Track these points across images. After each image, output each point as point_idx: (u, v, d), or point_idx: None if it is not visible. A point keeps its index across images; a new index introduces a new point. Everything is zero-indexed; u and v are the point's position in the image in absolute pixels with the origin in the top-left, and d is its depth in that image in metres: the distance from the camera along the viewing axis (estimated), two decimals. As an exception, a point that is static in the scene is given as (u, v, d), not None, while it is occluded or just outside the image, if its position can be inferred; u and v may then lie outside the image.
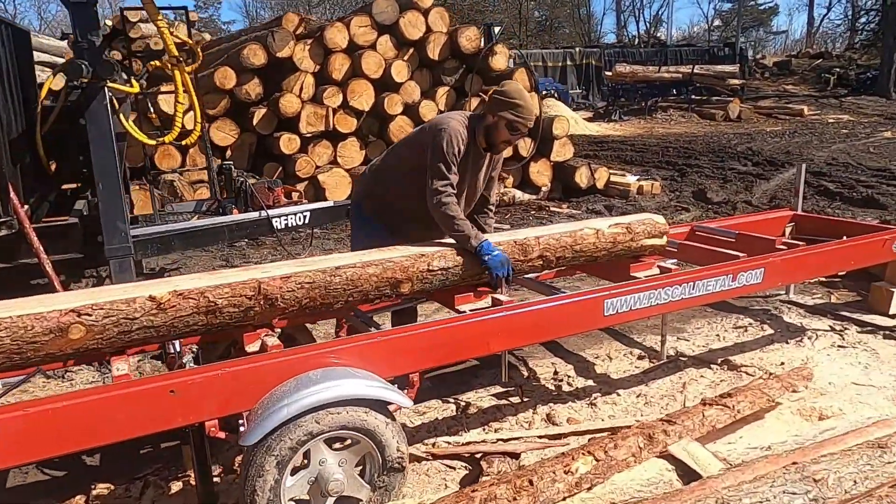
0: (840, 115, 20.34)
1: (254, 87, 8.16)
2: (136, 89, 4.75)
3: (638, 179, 10.07)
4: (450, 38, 8.69)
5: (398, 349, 2.61)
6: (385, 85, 8.42)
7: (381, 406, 2.43)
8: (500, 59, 8.83)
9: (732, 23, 41.57)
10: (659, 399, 3.56)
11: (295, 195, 5.71)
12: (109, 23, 13.58)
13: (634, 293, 3.15)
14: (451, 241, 3.01)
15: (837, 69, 27.68)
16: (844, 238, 4.02)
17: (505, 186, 9.16)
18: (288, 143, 8.05)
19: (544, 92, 22.95)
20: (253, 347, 2.54)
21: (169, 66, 5.01)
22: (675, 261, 3.81)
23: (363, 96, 8.30)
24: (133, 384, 2.21)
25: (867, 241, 3.99)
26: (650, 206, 8.91)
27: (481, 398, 3.61)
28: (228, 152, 8.25)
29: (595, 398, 3.56)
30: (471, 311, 2.90)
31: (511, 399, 3.61)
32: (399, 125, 8.51)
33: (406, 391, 2.66)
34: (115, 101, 4.60)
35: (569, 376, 3.88)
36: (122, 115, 4.71)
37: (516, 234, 3.18)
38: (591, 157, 13.77)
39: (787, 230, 4.77)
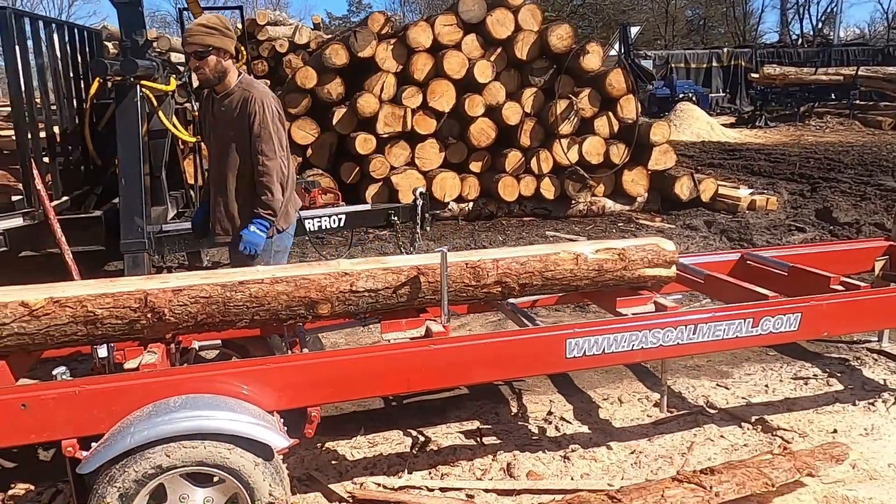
0: None
1: (335, 87, 8.20)
2: (172, 87, 4.83)
3: (751, 193, 8.97)
4: (540, 37, 8.21)
5: (291, 380, 2.32)
6: (468, 85, 8.11)
7: (250, 443, 2.16)
8: (593, 59, 8.20)
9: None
10: (653, 460, 2.98)
11: (331, 197, 5.58)
12: (240, 25, 14.49)
13: (608, 333, 2.63)
14: (385, 260, 2.67)
15: None
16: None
17: (594, 195, 8.52)
18: (364, 143, 8.00)
19: (681, 95, 21.53)
20: (132, 364, 2.37)
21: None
22: (679, 296, 3.19)
23: (444, 97, 8.05)
24: (-17, 394, 2.11)
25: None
26: (760, 223, 7.87)
27: (448, 435, 3.22)
28: (308, 151, 8.36)
29: (575, 450, 3.04)
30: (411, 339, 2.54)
31: (484, 439, 3.19)
32: (480, 127, 8.18)
33: (305, 426, 2.38)
34: (153, 99, 4.72)
35: (562, 419, 3.37)
36: (161, 113, 4.82)
37: (471, 255, 2.76)
38: (715, 166, 12.58)
39: (878, 265, 3.88)
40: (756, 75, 21.64)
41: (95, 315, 2.30)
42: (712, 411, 3.44)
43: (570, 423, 3.35)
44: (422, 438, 3.18)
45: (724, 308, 2.85)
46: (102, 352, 2.56)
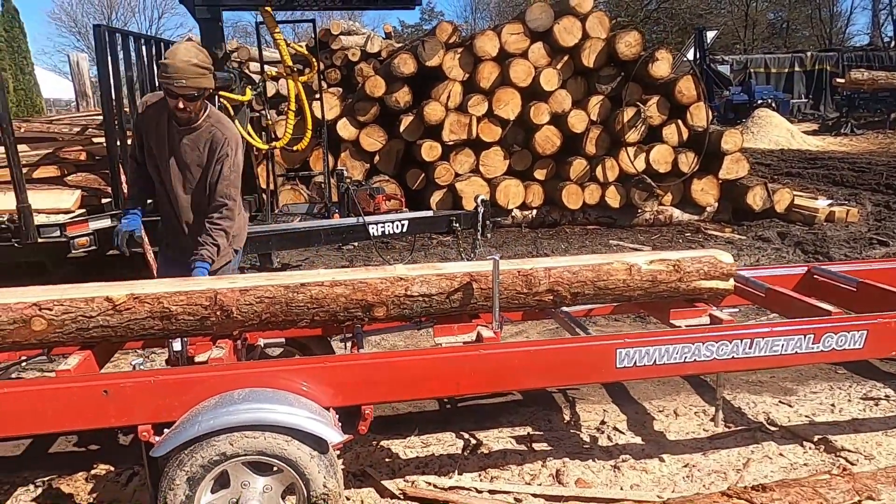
0: None
1: (403, 96, 8.39)
2: (248, 97, 5.09)
3: (830, 204, 8.59)
4: (608, 45, 8.15)
5: (347, 378, 2.44)
6: (533, 93, 8.14)
7: (307, 437, 2.29)
8: (662, 66, 8.07)
9: None
10: (706, 475, 2.94)
11: (394, 203, 5.73)
12: (312, 36, 14.97)
13: (660, 344, 2.62)
14: (439, 266, 2.75)
15: None
16: None
17: (661, 204, 8.38)
18: (429, 150, 8.15)
19: (760, 101, 20.76)
20: (202, 357, 2.54)
21: (284, 75, 5.32)
22: (735, 310, 3.13)
23: (509, 105, 8.11)
24: (71, 379, 2.32)
25: None
26: (838, 236, 7.54)
27: (499, 438, 3.28)
28: (376, 158, 8.58)
29: (626, 460, 3.04)
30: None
31: (534, 445, 3.23)
32: (545, 135, 8.19)
33: (359, 423, 2.49)
34: (231, 108, 4.99)
35: (615, 428, 3.37)
36: (237, 122, 5.09)
37: (523, 263, 2.81)
38: (793, 175, 12.12)
39: (960, 283, 3.68)
40: (842, 80, 20.63)
41: (171, 311, 2.49)
42: (772, 428, 3.35)
43: (622, 433, 3.34)
44: (473, 441, 3.25)
45: (783, 323, 2.79)
46: (177, 345, 2.75)
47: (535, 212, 8.31)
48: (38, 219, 4.26)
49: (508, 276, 2.73)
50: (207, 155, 3.06)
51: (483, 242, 5.82)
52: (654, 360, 2.63)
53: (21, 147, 4.48)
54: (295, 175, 7.82)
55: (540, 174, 8.38)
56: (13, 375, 3.19)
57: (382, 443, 3.21)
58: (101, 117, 5.96)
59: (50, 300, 2.41)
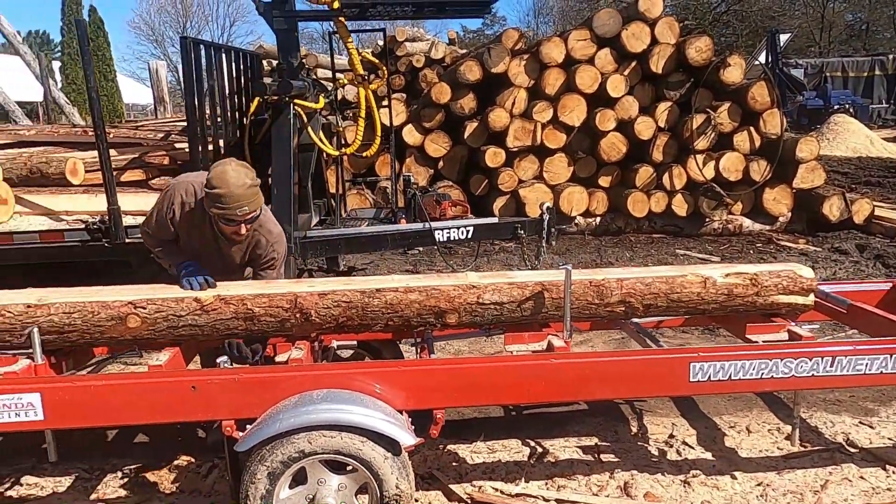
0: None
1: (468, 102, 8.45)
2: (321, 105, 5.24)
3: (914, 216, 8.17)
4: (677, 50, 8.01)
5: (418, 382, 2.49)
6: (599, 100, 8.07)
7: (381, 438, 2.35)
8: (734, 72, 7.87)
9: None
10: (781, 495, 2.86)
11: (459, 209, 5.78)
12: (381, 42, 15.25)
13: (736, 359, 2.58)
14: (511, 274, 2.78)
15: None
16: None
17: (731, 213, 8.16)
18: (493, 156, 8.18)
19: (837, 106, 19.91)
20: (282, 357, 2.65)
21: (355, 83, 5.45)
22: (815, 326, 3.03)
23: (574, 111, 8.06)
24: (162, 375, 2.46)
25: None
26: (922, 249, 7.17)
27: (565, 448, 3.27)
28: (440, 164, 8.66)
29: (696, 476, 2.99)
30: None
31: (602, 456, 3.21)
32: (611, 142, 8.10)
33: (431, 427, 2.54)
34: (304, 115, 5.15)
35: (684, 443, 3.32)
36: (310, 128, 5.25)
37: (595, 274, 2.81)
38: (872, 184, 11.58)
39: None
40: (926, 84, 19.59)
41: (253, 312, 2.61)
42: (852, 450, 3.24)
43: (692, 447, 3.28)
44: (540, 449, 3.26)
45: (867, 341, 2.70)
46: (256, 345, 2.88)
47: (598, 219, 8.23)
48: (126, 220, 4.49)
49: (580, 287, 2.73)
50: (251, 257, 2.95)
51: (547, 250, 5.79)
52: (730, 376, 2.59)
53: (111, 152, 4.73)
54: (362, 180, 7.98)
55: (604, 181, 8.29)
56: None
57: (450, 447, 3.25)
58: (182, 123, 6.25)
59: (144, 299, 2.56)
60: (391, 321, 2.69)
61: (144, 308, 2.56)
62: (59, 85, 17.72)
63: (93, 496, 2.96)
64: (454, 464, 3.14)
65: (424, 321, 2.71)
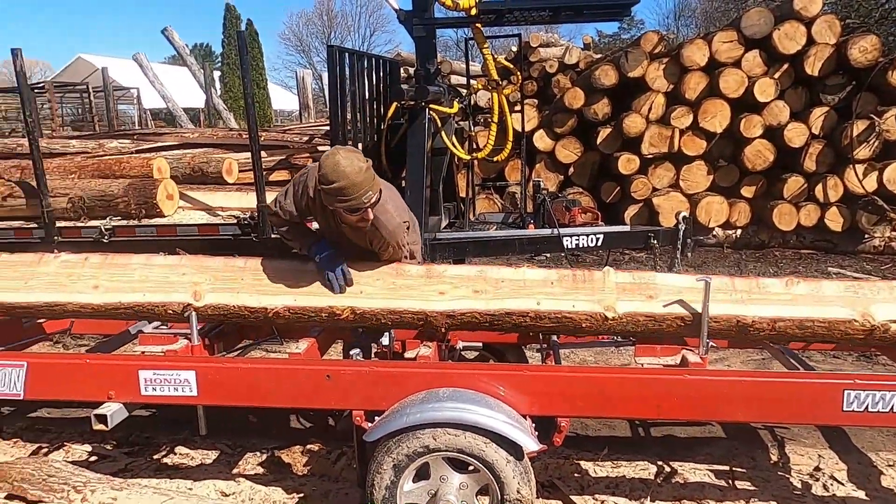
0: None
1: (602, 108, 8.25)
2: (455, 110, 5.33)
3: None
4: (836, 51, 7.36)
5: (544, 388, 2.47)
6: (745, 105, 7.59)
7: (504, 441, 2.35)
8: (906, 73, 7.10)
9: None
10: (950, 547, 2.54)
11: (589, 216, 5.65)
12: (514, 48, 15.28)
13: (898, 390, 2.32)
14: (652, 286, 2.66)
15: None
16: None
17: (895, 229, 7.38)
18: (626, 163, 7.93)
19: None
20: (410, 354, 2.72)
21: (489, 88, 5.51)
22: None
23: (717, 117, 7.63)
24: (301, 362, 2.61)
25: None
26: None
27: (695, 470, 3.11)
28: (571, 170, 8.54)
29: (846, 515, 2.73)
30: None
31: (736, 482, 3.02)
32: (756, 149, 7.59)
33: (554, 435, 2.51)
34: (439, 120, 5.28)
35: (832, 478, 3.04)
36: (443, 133, 5.37)
37: (744, 311, 2.52)
38: None
39: None
40: None
41: (384, 324, 2.70)
42: None
43: (842, 484, 3.00)
44: (667, 469, 3.11)
45: None
46: (385, 339, 2.98)
47: (739, 231, 7.75)
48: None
49: (724, 325, 2.55)
50: (372, 240, 2.85)
51: (682, 261, 5.54)
52: (892, 407, 2.34)
53: (261, 154, 5.10)
54: (491, 185, 8.04)
55: (748, 191, 7.78)
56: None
57: (572, 457, 3.19)
58: (325, 128, 6.61)
59: (285, 306, 2.72)
60: (518, 331, 2.69)
61: (286, 317, 2.73)
62: (219, 93, 19.34)
63: (234, 470, 3.20)
64: (576, 475, 3.08)
65: (554, 332, 2.69)
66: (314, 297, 2.75)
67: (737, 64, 7.62)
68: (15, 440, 3.56)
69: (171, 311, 2.80)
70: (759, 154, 7.59)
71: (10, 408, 3.99)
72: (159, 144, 6.12)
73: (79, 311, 2.87)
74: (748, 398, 2.40)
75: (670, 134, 7.74)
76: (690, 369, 2.44)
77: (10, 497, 2.68)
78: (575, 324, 2.58)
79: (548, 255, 7.24)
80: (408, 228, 2.96)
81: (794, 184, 7.43)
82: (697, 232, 7.25)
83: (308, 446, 3.34)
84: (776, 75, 7.53)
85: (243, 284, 2.81)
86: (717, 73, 7.61)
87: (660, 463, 3.17)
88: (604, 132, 8.19)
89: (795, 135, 7.43)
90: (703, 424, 3.45)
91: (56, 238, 4.96)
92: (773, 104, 7.46)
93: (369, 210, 2.62)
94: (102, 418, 2.59)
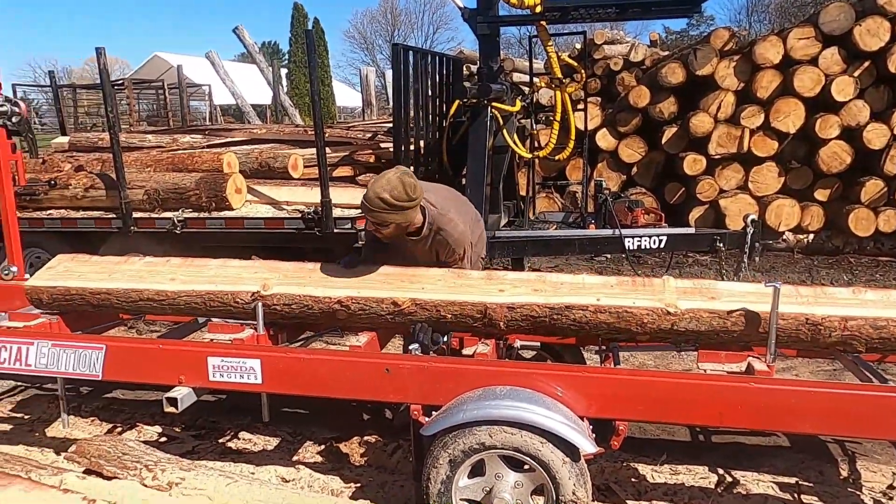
0: None
1: (668, 106, 8.04)
2: (517, 108, 5.32)
3: None
4: (924, 47, 6.97)
5: (602, 390, 2.44)
6: (821, 104, 7.27)
7: (561, 442, 2.34)
8: None
9: None
10: None
11: (652, 217, 5.54)
12: (578, 46, 15.09)
13: None
14: (712, 291, 2.60)
15: None
16: None
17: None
18: (692, 163, 7.70)
19: None
20: (468, 351, 2.73)
21: (552, 86, 5.47)
22: None
23: (790, 117, 7.33)
24: (362, 355, 2.66)
25: None
26: None
27: (759, 482, 3.01)
28: (633, 169, 8.36)
29: (922, 537, 2.59)
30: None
31: (803, 497, 2.91)
32: (832, 151, 7.25)
33: (612, 438, 2.48)
34: (500, 118, 5.28)
35: (908, 497, 2.89)
36: (505, 131, 5.36)
37: (813, 309, 2.46)
38: None
39: None
40: None
41: (444, 317, 2.73)
42: None
43: (918, 504, 2.85)
44: (728, 479, 3.03)
45: None
46: (444, 337, 3.01)
47: (811, 236, 7.43)
48: (335, 212, 4.93)
49: (792, 323, 2.47)
50: (438, 254, 3.04)
51: (749, 266, 5.37)
52: (976, 426, 2.21)
53: (326, 150, 5.21)
54: (551, 183, 7.98)
55: (821, 194, 7.44)
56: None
57: (629, 462, 3.15)
58: (387, 125, 6.70)
59: (349, 297, 2.80)
60: (577, 334, 2.68)
61: (349, 307, 2.80)
62: (285, 90, 19.85)
63: (294, 457, 3.29)
64: (633, 480, 3.03)
65: (613, 337, 2.66)
66: (376, 289, 2.82)
67: (813, 61, 7.30)
68: (92, 419, 3.76)
69: (239, 300, 2.91)
70: (835, 156, 7.25)
71: (87, 388, 4.22)
72: (229, 140, 6.34)
73: (154, 297, 3.02)
74: (818, 410, 2.31)
75: (740, 134, 7.48)
76: (757, 377, 2.37)
77: (87, 471, 2.85)
78: (636, 319, 2.55)
79: (608, 256, 7.13)
80: (473, 240, 3.10)
81: (872, 187, 7.07)
82: (766, 236, 6.99)
83: (365, 437, 3.41)
84: (856, 73, 7.18)
85: (310, 280, 2.90)
86: (791, 71, 7.31)
87: (721, 472, 3.09)
88: (669, 131, 7.99)
89: (875, 136, 7.06)
90: (768, 435, 3.34)
91: (132, 228, 5.21)
92: (852, 104, 7.12)
93: (381, 229, 2.83)
94: (173, 401, 2.71)
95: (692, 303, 2.56)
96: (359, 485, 3.00)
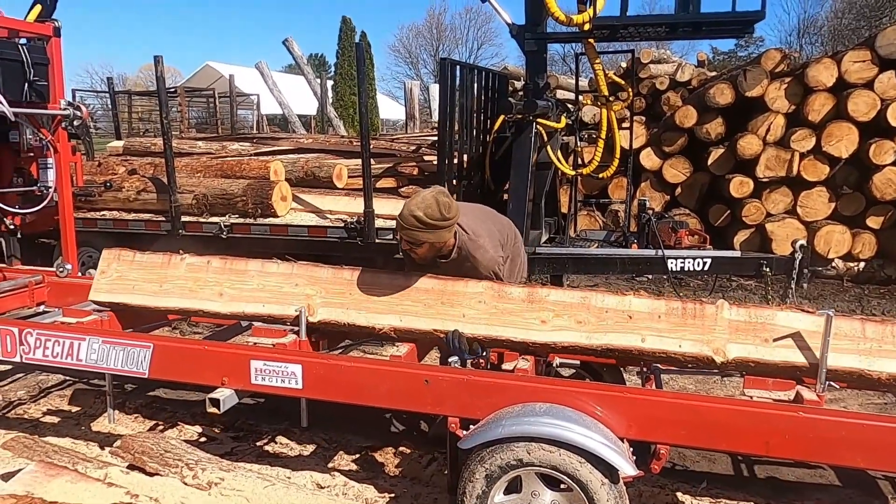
0: None
1: (715, 127, 7.94)
2: (562, 125, 5.31)
3: None
4: None
5: (644, 412, 2.40)
6: (876, 129, 7.08)
7: (600, 462, 2.31)
8: None
9: None
10: None
11: (696, 239, 5.45)
12: (624, 64, 15.00)
13: None
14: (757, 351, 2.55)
15: None
16: None
17: None
18: (739, 186, 7.57)
19: None
20: (508, 366, 2.72)
21: (598, 104, 5.45)
22: None
23: (843, 141, 7.15)
24: (402, 365, 2.67)
25: None
26: None
27: (805, 515, 2.91)
28: (678, 190, 8.26)
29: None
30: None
31: (849, 533, 2.81)
32: (886, 177, 7.03)
33: (652, 462, 2.44)
34: (545, 134, 5.28)
35: (962, 541, 2.77)
36: (549, 147, 5.36)
37: (870, 364, 2.41)
38: None
39: None
40: None
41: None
42: None
43: (973, 548, 2.72)
44: (774, 511, 2.94)
45: None
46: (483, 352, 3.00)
47: (863, 264, 7.21)
48: (377, 223, 4.98)
49: (844, 377, 2.41)
50: (468, 275, 3.00)
51: (796, 292, 5.24)
52: None
53: (370, 161, 5.28)
54: (594, 201, 7.93)
55: (874, 222, 7.22)
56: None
57: (667, 488, 3.08)
58: (431, 138, 6.76)
59: (391, 327, 2.85)
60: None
61: (393, 336, 2.84)
62: (331, 101, 20.18)
63: (330, 464, 3.32)
64: (671, 506, 2.97)
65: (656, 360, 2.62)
66: (420, 318, 2.84)
67: (868, 85, 7.12)
68: (136, 415, 3.85)
69: (285, 322, 2.99)
70: (889, 182, 7.04)
71: (131, 385, 4.33)
72: (276, 148, 6.48)
73: (203, 316, 3.12)
74: (869, 444, 2.23)
75: (789, 157, 7.33)
76: (805, 406, 2.30)
77: (130, 467, 2.92)
78: (680, 364, 2.53)
79: (649, 276, 7.02)
80: (504, 262, 3.11)
81: (929, 216, 6.85)
82: (815, 262, 6.81)
83: (400, 448, 3.41)
84: (914, 98, 6.98)
85: (352, 300, 2.93)
86: (845, 95, 7.15)
87: (763, 503, 3.00)
88: (716, 153, 7.87)
89: (933, 163, 6.85)
90: (814, 467, 3.23)
91: (180, 231, 5.35)
92: (908, 129, 6.92)
93: (415, 248, 2.88)
94: (216, 402, 2.76)
95: (742, 347, 2.51)
96: (392, 495, 3.00)
